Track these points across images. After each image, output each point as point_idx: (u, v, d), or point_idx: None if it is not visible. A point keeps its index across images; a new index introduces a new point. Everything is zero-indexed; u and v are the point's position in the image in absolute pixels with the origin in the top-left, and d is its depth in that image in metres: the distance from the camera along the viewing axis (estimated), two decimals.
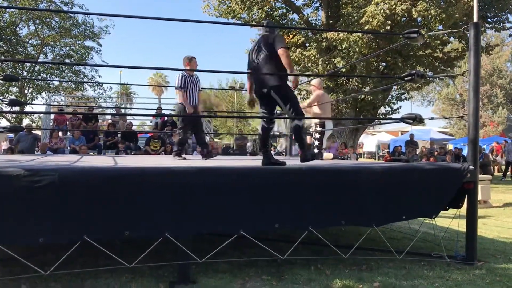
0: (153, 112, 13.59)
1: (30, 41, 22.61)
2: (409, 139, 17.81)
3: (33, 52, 22.38)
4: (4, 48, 20.88)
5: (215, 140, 18.16)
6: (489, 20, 14.57)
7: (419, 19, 12.67)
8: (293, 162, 5.69)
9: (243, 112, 36.75)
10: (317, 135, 7.35)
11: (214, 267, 3.89)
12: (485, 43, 18.59)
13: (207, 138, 13.89)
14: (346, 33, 12.53)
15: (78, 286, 3.38)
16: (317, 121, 7.32)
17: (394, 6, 11.80)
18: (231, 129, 35.95)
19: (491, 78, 36.04)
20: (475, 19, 4.50)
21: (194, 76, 6.38)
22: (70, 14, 21.12)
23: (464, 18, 12.38)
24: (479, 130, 4.44)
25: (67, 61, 22.78)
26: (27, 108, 19.79)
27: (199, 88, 6.48)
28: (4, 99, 16.30)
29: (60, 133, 12.09)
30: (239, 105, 39.71)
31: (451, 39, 14.76)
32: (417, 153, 17.31)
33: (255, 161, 5.66)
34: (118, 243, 4.53)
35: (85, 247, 3.28)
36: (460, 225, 4.69)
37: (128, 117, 14.15)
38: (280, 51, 4.23)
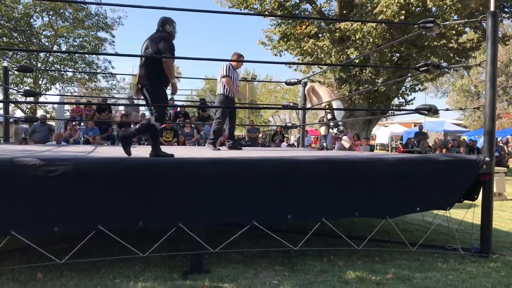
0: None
1: (44, 32, 22.75)
2: (418, 130, 17.73)
3: (47, 43, 22.52)
4: (19, 39, 21.05)
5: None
6: (506, 10, 14.28)
7: (433, 9, 12.47)
8: (303, 153, 5.68)
9: (255, 103, 36.75)
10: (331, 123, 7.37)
11: (227, 257, 3.91)
12: (502, 33, 18.24)
13: None
14: (360, 23, 12.40)
15: (93, 274, 3.42)
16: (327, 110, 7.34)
17: None
18: (242, 121, 35.93)
19: (507, 69, 35.47)
20: (492, 8, 4.41)
21: (237, 71, 6.51)
22: (83, 5, 21.18)
23: (480, 8, 12.15)
24: (495, 122, 4.37)
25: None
26: (41, 99, 19.92)
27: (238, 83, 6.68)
28: (19, 90, 16.45)
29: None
30: (250, 96, 39.66)
31: (467, 29, 14.51)
32: (430, 145, 17.17)
33: (268, 152, 5.66)
34: (132, 233, 4.57)
35: (100, 236, 3.31)
36: (475, 218, 4.64)
37: (141, 108, 14.19)
38: (164, 59, 4.17)
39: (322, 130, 8.42)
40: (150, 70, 4.26)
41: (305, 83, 8.75)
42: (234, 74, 6.41)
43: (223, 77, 6.31)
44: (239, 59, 6.43)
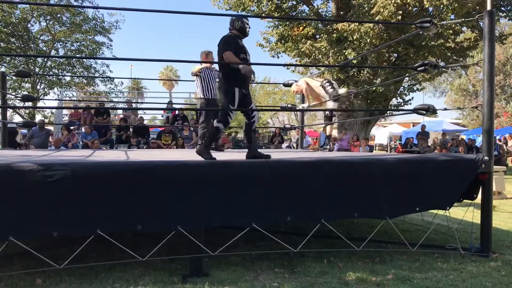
0: (164, 106, 13.64)
1: (41, 37, 22.73)
2: (421, 130, 17.67)
3: (44, 48, 22.49)
4: (16, 44, 21.03)
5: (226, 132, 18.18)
6: (502, 9, 14.32)
7: (430, 9, 12.50)
8: (303, 155, 5.67)
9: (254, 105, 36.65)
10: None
11: (226, 260, 3.90)
12: (498, 32, 18.31)
13: None
14: (357, 24, 12.41)
15: (92, 279, 3.41)
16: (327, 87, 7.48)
17: None
18: (241, 123, 35.92)
19: (504, 68, 35.48)
20: (488, 7, 4.41)
21: (213, 70, 6.46)
22: (80, 9, 21.18)
23: (477, 7, 12.18)
24: (494, 120, 4.36)
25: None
26: (40, 104, 19.90)
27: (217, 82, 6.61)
28: (17, 95, 16.43)
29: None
30: None
31: (464, 28, 14.54)
32: (429, 144, 17.15)
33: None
34: (131, 237, 4.56)
35: (99, 241, 3.30)
36: (475, 217, 4.64)
37: (139, 112, 14.20)
38: (223, 56, 4.26)
39: (328, 130, 8.43)
40: (222, 72, 4.41)
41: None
42: (207, 74, 6.39)
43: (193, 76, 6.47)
44: (208, 58, 6.40)
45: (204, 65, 6.41)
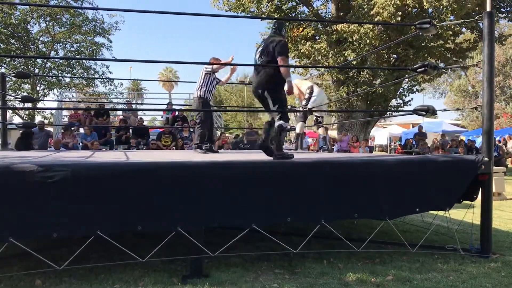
0: (164, 107, 13.63)
1: (41, 38, 22.74)
2: (418, 131, 17.76)
3: (44, 49, 22.51)
4: (16, 45, 21.04)
5: (227, 134, 18.18)
6: (502, 10, 14.34)
7: (430, 10, 12.52)
8: (303, 155, 5.67)
9: (253, 106, 36.73)
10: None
11: (226, 261, 3.90)
12: (498, 33, 18.32)
13: (218, 132, 13.91)
14: (357, 25, 12.42)
15: (92, 280, 3.41)
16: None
17: None
18: (241, 124, 35.89)
19: (504, 68, 35.52)
20: (488, 8, 4.41)
21: (214, 75, 6.59)
22: (80, 10, 21.19)
23: (477, 9, 12.20)
24: (493, 121, 4.37)
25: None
26: (39, 105, 19.87)
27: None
28: (16, 96, 16.43)
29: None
30: (249, 99, 39.64)
31: (463, 29, 14.56)
32: (429, 145, 17.17)
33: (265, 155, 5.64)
34: (131, 238, 4.56)
35: (99, 242, 3.30)
36: (474, 218, 4.64)
37: (139, 113, 14.20)
38: (279, 60, 4.34)
39: (321, 131, 8.47)
40: (270, 72, 4.42)
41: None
42: (206, 78, 6.49)
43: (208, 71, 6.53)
44: (215, 61, 6.50)
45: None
